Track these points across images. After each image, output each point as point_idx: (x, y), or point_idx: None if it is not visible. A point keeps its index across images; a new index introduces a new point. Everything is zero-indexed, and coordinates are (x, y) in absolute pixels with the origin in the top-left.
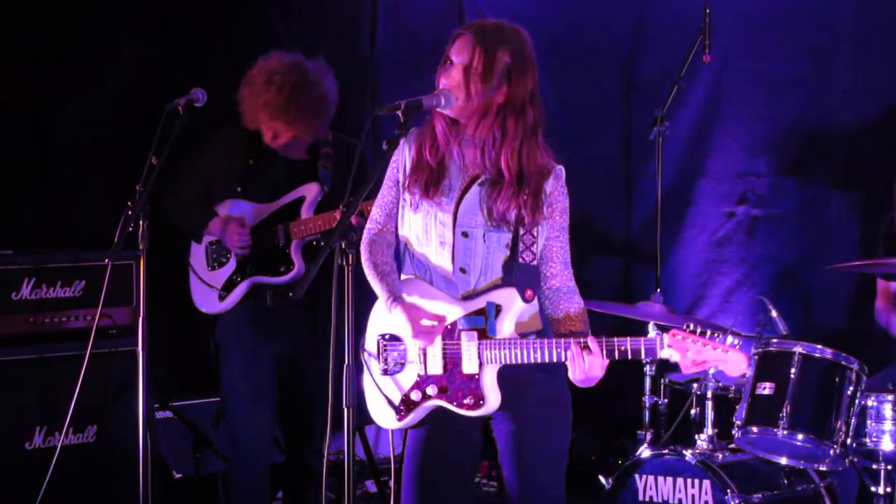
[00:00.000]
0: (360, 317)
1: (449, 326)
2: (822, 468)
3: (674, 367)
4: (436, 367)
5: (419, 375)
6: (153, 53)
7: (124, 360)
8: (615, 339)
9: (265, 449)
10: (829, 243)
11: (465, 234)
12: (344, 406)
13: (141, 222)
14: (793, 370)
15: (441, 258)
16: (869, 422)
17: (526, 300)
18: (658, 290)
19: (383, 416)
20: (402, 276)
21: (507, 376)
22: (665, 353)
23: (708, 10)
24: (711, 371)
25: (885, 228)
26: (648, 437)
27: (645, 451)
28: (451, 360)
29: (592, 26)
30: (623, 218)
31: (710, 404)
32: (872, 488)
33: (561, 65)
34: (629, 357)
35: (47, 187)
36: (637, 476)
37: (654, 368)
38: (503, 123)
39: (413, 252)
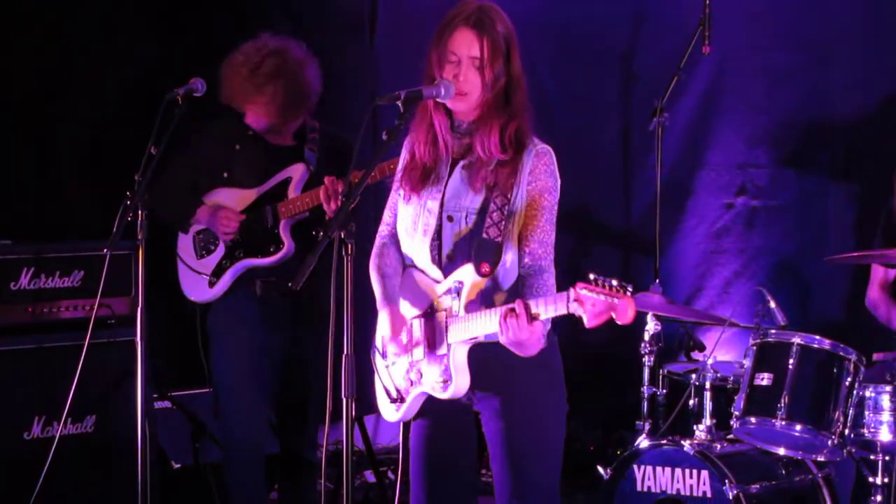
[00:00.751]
0: (360, 307)
1: (428, 309)
2: (820, 459)
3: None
4: (418, 353)
5: (409, 363)
6: (153, 44)
7: (123, 350)
8: (532, 300)
9: (260, 440)
10: (828, 235)
11: (450, 219)
12: (343, 396)
13: (140, 212)
14: (791, 361)
15: (424, 246)
16: (867, 412)
17: (481, 274)
18: (657, 280)
19: (387, 410)
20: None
21: (496, 369)
22: (572, 308)
23: (708, 1)
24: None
25: (884, 218)
26: (647, 427)
27: (643, 442)
28: (429, 342)
29: (592, 17)
30: (622, 209)
31: (708, 395)
32: (870, 479)
33: (561, 56)
34: (547, 315)
35: (46, 177)
36: (635, 466)
37: (652, 359)
38: (510, 101)
39: (402, 246)
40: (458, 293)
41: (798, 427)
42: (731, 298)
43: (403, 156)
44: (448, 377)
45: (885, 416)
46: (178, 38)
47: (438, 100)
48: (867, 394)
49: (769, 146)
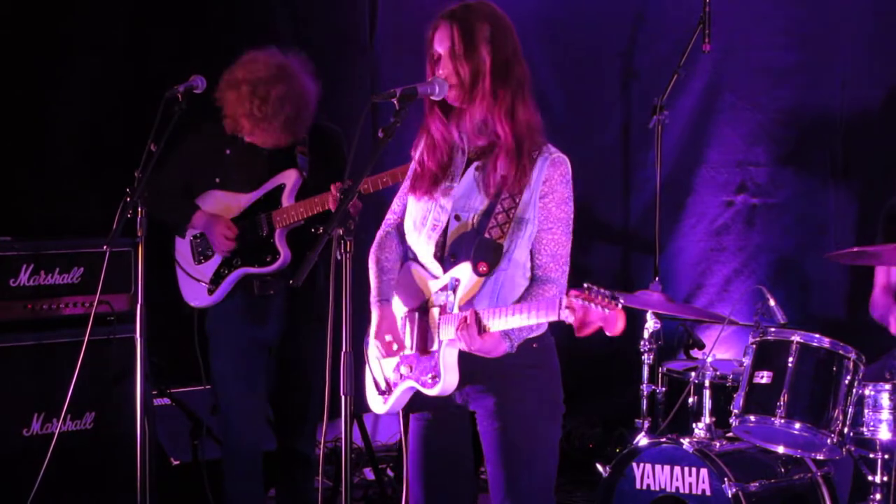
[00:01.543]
0: (358, 304)
1: (423, 305)
2: (820, 457)
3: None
4: (411, 347)
5: (400, 356)
6: (152, 41)
7: (122, 347)
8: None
9: (258, 437)
10: (828, 232)
11: (457, 218)
12: (342, 393)
13: (140, 209)
14: (790, 359)
15: (430, 242)
16: (866, 411)
17: (478, 273)
18: (657, 278)
19: (374, 401)
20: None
21: (491, 369)
22: (563, 315)
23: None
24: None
25: (885, 214)
26: (646, 425)
27: (642, 440)
28: (421, 337)
29: (592, 15)
30: (622, 206)
31: (707, 393)
32: (869, 477)
33: (561, 53)
34: (527, 321)
35: (46, 174)
36: (635, 464)
37: (651, 357)
38: (493, 88)
39: (407, 238)
40: (454, 290)
41: (797, 425)
42: (731, 296)
43: (413, 164)
44: (437, 374)
45: (885, 415)
46: (180, 36)
47: (433, 97)
48: (866, 392)
49: (769, 144)
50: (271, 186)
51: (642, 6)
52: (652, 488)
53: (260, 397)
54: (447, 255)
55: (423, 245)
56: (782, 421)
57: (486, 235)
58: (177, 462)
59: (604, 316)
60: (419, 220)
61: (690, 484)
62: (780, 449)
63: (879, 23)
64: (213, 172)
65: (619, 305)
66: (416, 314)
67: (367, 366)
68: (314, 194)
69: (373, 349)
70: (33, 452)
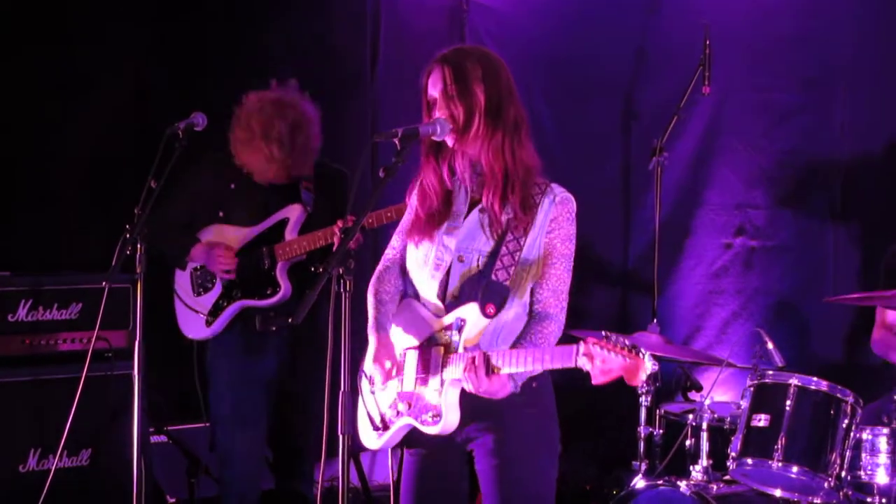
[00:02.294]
0: (357, 343)
1: (424, 342)
2: (817, 500)
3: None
4: (409, 384)
5: (397, 393)
6: (153, 77)
7: (120, 384)
8: (504, 351)
9: (256, 475)
10: (826, 275)
11: (461, 259)
12: (339, 433)
13: (139, 246)
14: (788, 402)
15: (433, 281)
16: (864, 455)
17: (486, 315)
18: (655, 320)
19: (367, 436)
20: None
21: (490, 407)
22: (580, 362)
23: (708, 41)
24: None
25: (886, 260)
26: (643, 467)
27: (639, 482)
28: (421, 375)
29: (593, 55)
30: (621, 248)
31: (705, 435)
32: None
33: (561, 93)
34: (540, 367)
35: (45, 209)
36: None
37: (649, 399)
38: (486, 127)
39: (410, 277)
40: (460, 331)
41: (795, 468)
42: (729, 339)
43: (409, 208)
44: (439, 413)
45: (882, 459)
46: (181, 72)
47: (434, 137)
48: (864, 436)
49: (768, 186)
50: (275, 220)
51: (643, 47)
52: None
53: (258, 435)
54: (450, 294)
55: (425, 284)
56: (780, 464)
57: (493, 278)
58: (173, 500)
59: (625, 365)
60: (421, 259)
61: None
62: (778, 492)
63: (880, 65)
64: (216, 207)
65: (642, 355)
66: (418, 351)
67: (360, 399)
68: (317, 229)
69: (366, 384)
70: (29, 489)
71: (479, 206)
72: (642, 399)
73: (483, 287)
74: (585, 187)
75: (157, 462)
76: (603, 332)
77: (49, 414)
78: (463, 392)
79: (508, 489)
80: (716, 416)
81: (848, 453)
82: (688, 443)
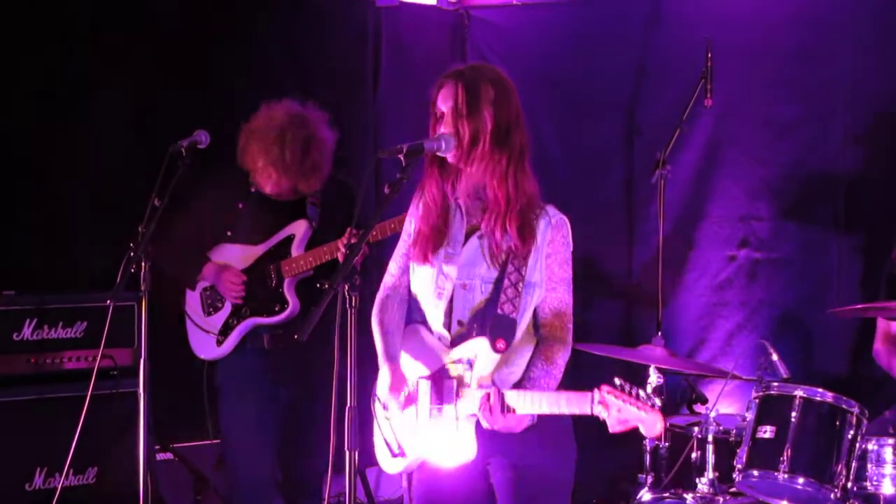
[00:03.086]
0: (363, 360)
1: (437, 374)
2: None
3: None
4: (424, 414)
5: (413, 423)
6: (156, 95)
7: (125, 401)
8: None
9: (265, 494)
10: (830, 287)
11: (464, 286)
12: (346, 449)
13: (143, 263)
14: (793, 414)
15: (437, 309)
16: (869, 465)
17: (497, 351)
18: (659, 333)
19: (386, 462)
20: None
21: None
22: (596, 410)
23: (710, 55)
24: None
25: (888, 270)
26: (649, 480)
27: (646, 495)
28: (436, 406)
29: (594, 70)
30: (625, 261)
31: (710, 448)
32: None
33: (563, 108)
34: (567, 412)
35: (50, 228)
36: None
37: None
38: (491, 151)
39: (418, 303)
40: (472, 366)
41: (801, 480)
42: (734, 351)
43: (413, 223)
44: (456, 447)
45: (888, 469)
46: (184, 91)
47: (439, 153)
48: (870, 447)
49: (771, 198)
50: (281, 237)
51: (645, 61)
52: None
53: (267, 454)
54: (455, 321)
55: (431, 311)
56: (786, 476)
57: (500, 311)
58: None
59: (640, 417)
60: (424, 286)
61: None
62: None
63: (880, 78)
64: (224, 226)
65: (657, 407)
66: (431, 381)
67: (375, 424)
68: (322, 244)
69: (380, 409)
70: None
71: (478, 232)
72: None
73: (491, 321)
74: (589, 201)
75: (162, 479)
76: (616, 381)
77: (55, 432)
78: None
79: (526, 500)
80: (721, 428)
81: (854, 464)
82: (693, 455)
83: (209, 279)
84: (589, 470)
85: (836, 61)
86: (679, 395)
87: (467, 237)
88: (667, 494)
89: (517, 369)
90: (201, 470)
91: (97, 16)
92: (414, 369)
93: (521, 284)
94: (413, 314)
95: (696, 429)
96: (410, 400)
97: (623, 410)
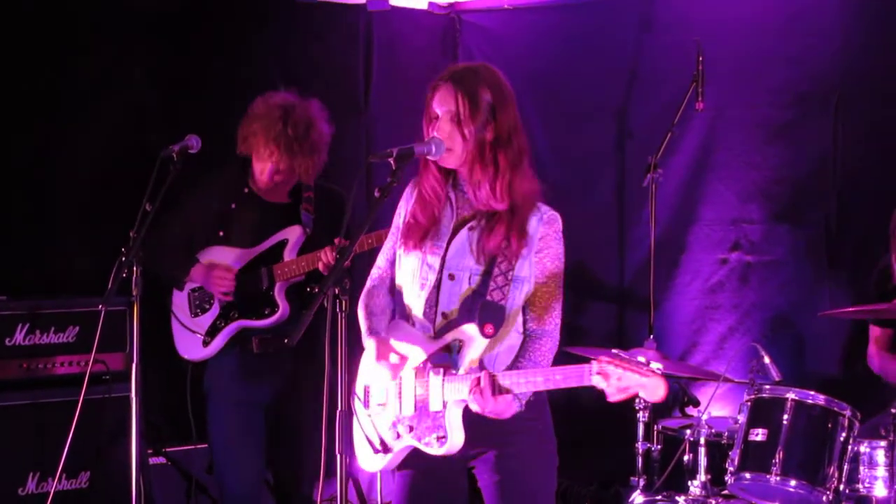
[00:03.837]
0: (353, 364)
1: (421, 365)
2: None
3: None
4: (408, 407)
5: (395, 415)
6: (149, 101)
7: (118, 406)
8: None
9: (255, 497)
10: (822, 290)
11: (451, 277)
12: (336, 452)
13: (134, 268)
14: (785, 416)
15: (420, 300)
16: (862, 468)
17: (485, 335)
18: (651, 336)
19: (366, 459)
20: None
21: (490, 424)
22: (594, 381)
23: (701, 58)
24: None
25: (877, 274)
26: (642, 483)
27: (638, 498)
28: (420, 398)
29: (586, 74)
30: (616, 264)
31: (703, 450)
32: None
33: (554, 112)
34: (563, 387)
35: (41, 233)
36: None
37: (647, 415)
38: (494, 158)
39: (401, 294)
40: (459, 351)
41: (793, 482)
42: (726, 354)
43: (404, 214)
44: (444, 434)
45: (880, 472)
46: (178, 96)
47: (429, 157)
48: (862, 449)
49: (762, 201)
50: (274, 241)
51: (636, 65)
52: None
53: (256, 457)
54: (440, 313)
55: (413, 301)
56: (778, 478)
57: (489, 298)
58: None
59: (642, 382)
60: (409, 276)
61: None
62: None
63: (872, 80)
64: (216, 227)
65: (658, 371)
66: (416, 373)
67: (355, 421)
68: (315, 250)
69: (359, 406)
70: None
71: (469, 224)
72: (640, 415)
73: (480, 307)
74: (580, 205)
75: (155, 484)
76: (613, 351)
77: (47, 437)
78: (465, 411)
79: (513, 502)
80: (713, 431)
81: (846, 466)
82: (686, 458)
83: (198, 280)
84: (581, 472)
85: (827, 65)
86: (671, 398)
87: (456, 230)
88: (659, 497)
89: (505, 358)
90: (193, 474)
91: (92, 23)
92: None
93: (510, 274)
94: (397, 309)
95: (688, 431)
96: (398, 367)
97: (623, 378)
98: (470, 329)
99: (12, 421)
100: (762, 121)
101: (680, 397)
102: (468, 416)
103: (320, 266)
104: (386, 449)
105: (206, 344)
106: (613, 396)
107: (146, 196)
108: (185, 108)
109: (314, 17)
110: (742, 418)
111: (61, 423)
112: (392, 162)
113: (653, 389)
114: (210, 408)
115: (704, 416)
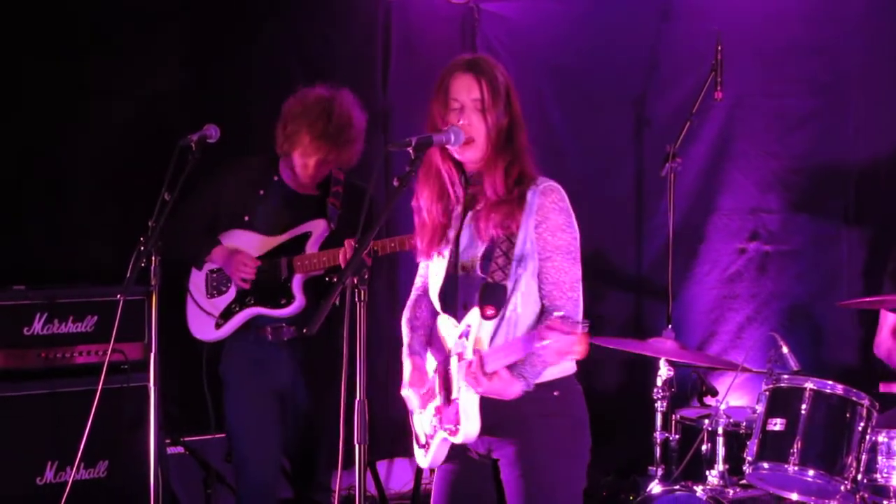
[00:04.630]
0: (371, 353)
1: (446, 358)
2: None
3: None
4: (440, 398)
5: (434, 409)
6: (167, 90)
7: (136, 396)
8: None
9: (272, 485)
10: (840, 280)
11: (463, 268)
12: (355, 442)
13: (153, 258)
14: (804, 406)
15: (444, 296)
16: (880, 457)
17: (486, 317)
18: (669, 326)
19: (418, 454)
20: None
21: (512, 416)
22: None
23: (720, 48)
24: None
25: (892, 264)
26: (659, 472)
27: (656, 487)
28: (444, 387)
29: (605, 63)
30: (635, 254)
31: (720, 440)
32: None
33: (573, 101)
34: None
35: (60, 222)
36: None
37: (665, 404)
38: (512, 142)
39: (430, 293)
40: (467, 337)
41: (811, 472)
42: (744, 343)
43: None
44: (458, 421)
45: None
46: (197, 85)
47: (448, 146)
48: (880, 438)
49: (781, 191)
50: (298, 232)
51: (655, 54)
52: None
53: (274, 445)
54: (460, 304)
55: (438, 297)
56: (796, 468)
57: (489, 279)
58: None
59: (570, 341)
60: (433, 274)
61: None
62: (794, 496)
63: (891, 71)
64: (242, 211)
65: (583, 329)
66: (441, 365)
67: (410, 417)
68: (338, 245)
69: (412, 402)
70: (47, 501)
71: (470, 213)
72: (658, 404)
73: (480, 290)
74: (599, 194)
75: (173, 473)
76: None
77: (66, 426)
78: (487, 402)
79: (531, 499)
80: (731, 420)
81: (864, 456)
82: (704, 448)
83: (218, 262)
84: (599, 461)
85: (848, 55)
86: (689, 388)
87: (464, 221)
88: (677, 487)
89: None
90: (211, 463)
91: (112, 9)
92: (434, 359)
93: (511, 251)
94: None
95: (706, 421)
96: (428, 397)
97: (559, 340)
98: (473, 314)
99: (31, 410)
100: (782, 110)
101: (698, 387)
102: (490, 407)
103: (341, 261)
104: (427, 444)
105: (218, 326)
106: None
107: (165, 185)
108: (204, 97)
109: (333, 6)
110: (760, 408)
111: (79, 412)
112: (411, 151)
113: (578, 345)
114: (227, 396)
115: (723, 406)
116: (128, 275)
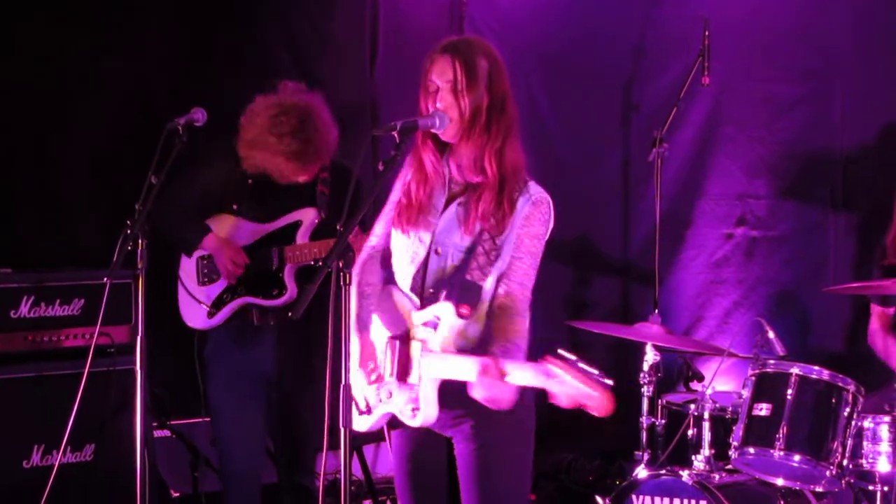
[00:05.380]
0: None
1: (404, 334)
2: (819, 489)
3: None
4: (388, 374)
5: (382, 379)
6: (154, 73)
7: (122, 379)
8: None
9: (256, 469)
10: (827, 265)
11: (437, 252)
12: (340, 426)
13: (140, 241)
14: (789, 391)
15: (410, 274)
16: (865, 443)
17: (459, 316)
18: (656, 311)
19: (356, 418)
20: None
21: (466, 397)
22: (548, 383)
23: (707, 33)
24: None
25: (880, 252)
26: (646, 457)
27: (642, 472)
28: (402, 367)
29: (593, 48)
30: (621, 239)
31: (707, 425)
32: None
33: (561, 86)
34: (518, 381)
35: (47, 205)
36: (634, 496)
37: (651, 389)
38: (488, 124)
39: (392, 265)
40: (436, 328)
41: (797, 457)
42: (731, 329)
43: (396, 193)
44: (418, 407)
45: (884, 447)
46: (184, 69)
47: (433, 130)
48: (866, 424)
49: (768, 177)
50: (288, 221)
51: (643, 39)
52: None
53: (257, 428)
54: (426, 288)
55: (403, 275)
56: (781, 453)
57: (468, 277)
58: (177, 494)
59: (589, 395)
60: (401, 249)
61: None
62: (780, 481)
63: (879, 55)
64: (232, 198)
65: (608, 384)
66: (397, 342)
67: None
68: (329, 235)
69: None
70: (33, 484)
71: (458, 199)
72: (644, 389)
73: (458, 287)
74: (586, 179)
75: (160, 456)
76: (559, 351)
77: (52, 410)
78: (444, 386)
79: (484, 475)
80: (717, 405)
81: (849, 442)
82: (690, 432)
83: (209, 250)
84: (585, 446)
85: (835, 40)
86: (675, 373)
87: (446, 205)
88: (663, 471)
89: (474, 336)
90: (198, 446)
91: None
92: (384, 332)
93: (493, 254)
94: (390, 276)
95: (692, 406)
96: (378, 377)
97: (566, 384)
98: (446, 308)
99: (17, 393)
100: (769, 96)
101: (684, 372)
102: (445, 387)
103: None
104: (369, 411)
105: (210, 315)
106: (563, 402)
107: (151, 169)
108: (191, 82)
109: None
110: (746, 393)
111: (66, 395)
112: (396, 135)
113: (599, 404)
114: (209, 379)
115: (709, 391)
116: (114, 258)
